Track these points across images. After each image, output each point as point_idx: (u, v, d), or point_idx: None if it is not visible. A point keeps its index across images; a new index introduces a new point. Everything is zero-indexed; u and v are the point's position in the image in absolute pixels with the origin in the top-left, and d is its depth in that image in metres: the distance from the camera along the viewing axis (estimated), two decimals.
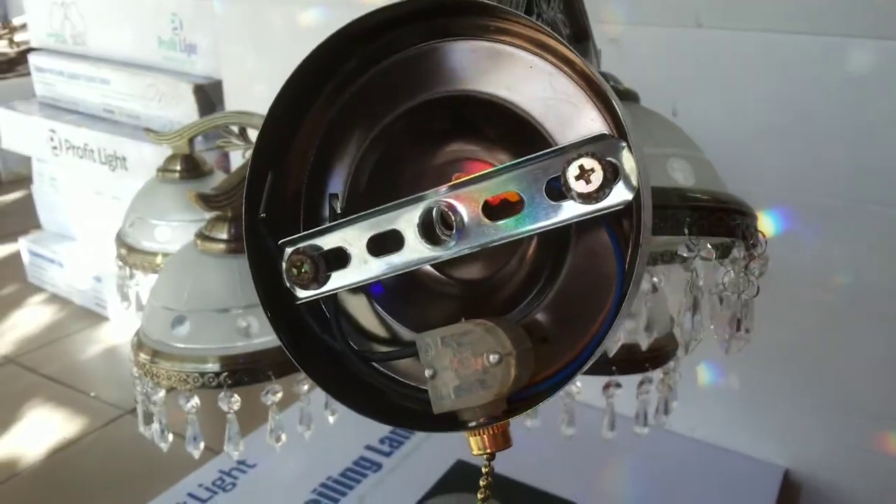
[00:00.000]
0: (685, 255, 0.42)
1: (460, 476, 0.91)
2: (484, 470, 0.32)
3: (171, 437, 0.59)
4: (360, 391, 0.33)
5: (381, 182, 0.34)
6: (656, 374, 0.64)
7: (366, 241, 0.31)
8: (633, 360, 0.62)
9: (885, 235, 0.81)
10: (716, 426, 0.97)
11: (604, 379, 0.65)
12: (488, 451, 0.30)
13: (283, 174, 0.34)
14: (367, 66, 0.33)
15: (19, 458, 1.21)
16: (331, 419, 0.63)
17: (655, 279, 0.44)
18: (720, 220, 0.40)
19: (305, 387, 0.60)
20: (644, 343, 0.53)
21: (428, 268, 0.33)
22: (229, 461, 0.93)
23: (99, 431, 1.27)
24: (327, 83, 0.33)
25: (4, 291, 1.79)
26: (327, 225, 0.32)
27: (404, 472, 0.93)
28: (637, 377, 0.64)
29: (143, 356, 0.57)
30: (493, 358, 0.28)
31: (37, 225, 1.80)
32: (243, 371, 0.55)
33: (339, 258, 0.31)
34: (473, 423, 0.29)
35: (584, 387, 0.67)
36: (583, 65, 0.28)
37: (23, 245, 1.78)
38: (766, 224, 0.81)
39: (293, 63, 0.32)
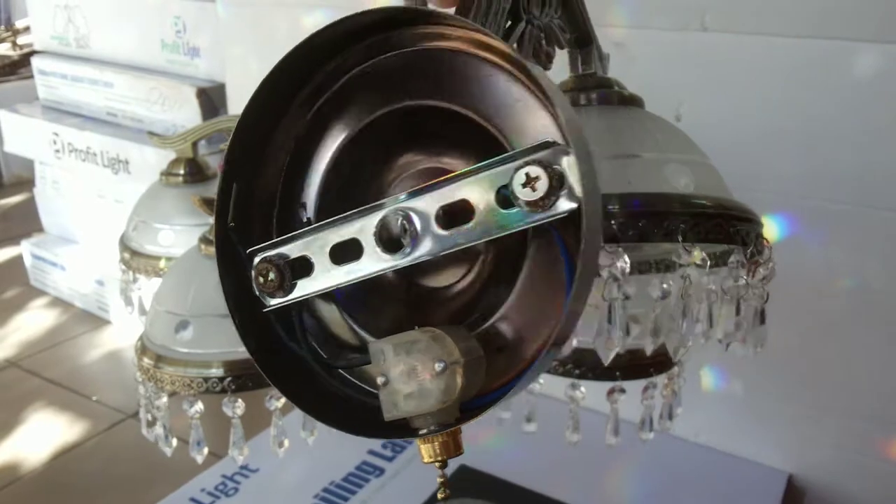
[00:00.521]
0: (679, 261, 0.41)
1: (464, 481, 0.90)
2: (439, 480, 0.32)
3: (174, 441, 0.59)
4: (321, 397, 0.33)
5: (350, 191, 0.34)
6: (660, 380, 0.64)
7: (328, 249, 0.31)
8: (637, 366, 0.61)
9: (890, 240, 0.80)
10: (719, 431, 0.97)
11: (608, 384, 0.64)
12: (439, 458, 0.30)
13: (257, 181, 0.34)
14: (337, 77, 0.34)
15: (21, 462, 1.21)
16: None
17: (665, 285, 0.44)
18: (718, 227, 0.40)
19: None
20: (648, 349, 0.52)
21: (390, 275, 0.33)
22: (232, 466, 0.93)
23: (101, 435, 1.27)
24: (300, 92, 0.34)
25: (7, 295, 1.79)
26: (291, 234, 0.32)
27: (407, 477, 0.92)
28: (641, 382, 0.64)
29: (146, 361, 0.57)
30: (438, 366, 0.28)
31: (39, 228, 1.80)
32: (247, 376, 0.55)
33: (305, 266, 0.32)
34: (424, 431, 0.29)
35: (588, 392, 0.67)
36: (529, 68, 0.28)
37: (25, 248, 1.78)
38: (771, 228, 0.81)
39: None
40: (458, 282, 0.34)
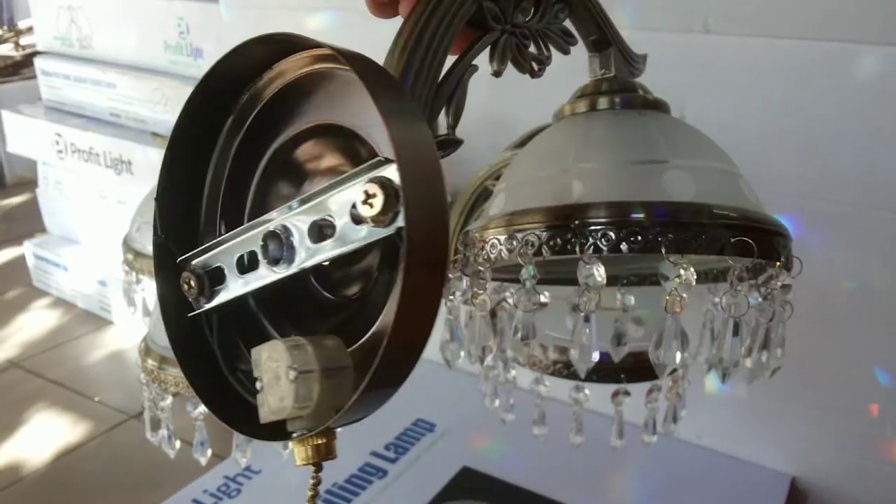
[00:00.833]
0: (668, 275, 0.40)
1: (466, 483, 0.90)
2: (311, 481, 0.33)
3: (177, 442, 0.59)
4: (229, 398, 0.35)
5: (271, 207, 0.36)
6: (665, 382, 0.64)
7: (234, 260, 0.33)
8: (642, 368, 0.61)
9: (891, 241, 0.80)
10: (723, 434, 0.97)
11: (612, 386, 0.64)
12: (312, 461, 0.31)
13: (200, 197, 0.37)
14: (248, 112, 0.35)
15: (23, 462, 1.21)
16: None
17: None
18: (745, 239, 0.38)
19: None
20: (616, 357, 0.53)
21: (300, 283, 0.35)
22: (234, 467, 0.93)
23: (103, 436, 1.27)
24: (225, 122, 0.36)
25: (9, 295, 1.80)
26: (205, 246, 0.34)
27: (410, 478, 0.92)
28: (646, 385, 0.64)
29: (150, 362, 0.57)
30: (291, 375, 0.28)
31: (42, 229, 1.80)
32: None
33: (221, 276, 0.34)
34: (296, 434, 0.30)
35: (591, 395, 0.67)
36: (369, 81, 0.28)
37: (28, 249, 1.79)
38: None
39: None
40: (355, 292, 0.35)
